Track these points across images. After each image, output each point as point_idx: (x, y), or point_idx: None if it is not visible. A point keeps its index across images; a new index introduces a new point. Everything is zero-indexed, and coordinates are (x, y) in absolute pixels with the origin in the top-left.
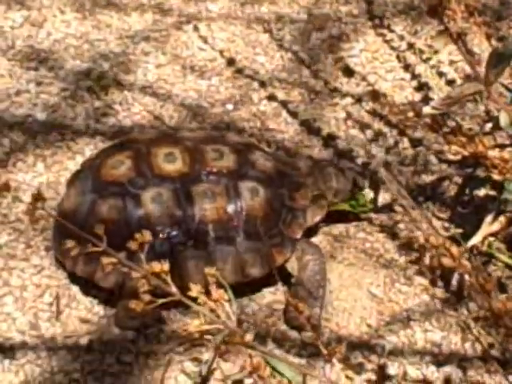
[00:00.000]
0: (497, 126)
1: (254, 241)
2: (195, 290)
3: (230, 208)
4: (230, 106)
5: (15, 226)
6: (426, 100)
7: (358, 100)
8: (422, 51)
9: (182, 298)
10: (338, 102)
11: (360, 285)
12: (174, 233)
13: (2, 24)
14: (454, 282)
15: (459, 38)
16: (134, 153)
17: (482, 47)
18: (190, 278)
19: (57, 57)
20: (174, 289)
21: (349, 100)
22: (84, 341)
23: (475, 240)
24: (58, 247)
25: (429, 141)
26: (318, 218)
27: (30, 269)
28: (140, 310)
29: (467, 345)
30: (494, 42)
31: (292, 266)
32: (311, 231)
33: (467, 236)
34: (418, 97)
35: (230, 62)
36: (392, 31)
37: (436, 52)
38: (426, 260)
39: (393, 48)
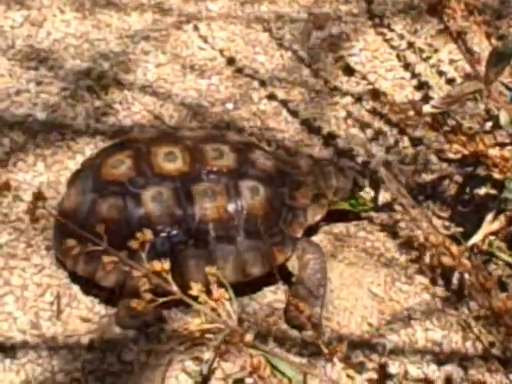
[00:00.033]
0: (497, 125)
1: (254, 240)
2: (196, 288)
3: (231, 207)
4: (230, 106)
5: (16, 226)
6: (426, 99)
7: (358, 99)
8: (421, 50)
9: (182, 296)
10: (338, 101)
11: (361, 284)
12: (175, 232)
13: (2, 23)
14: (455, 280)
15: (459, 37)
16: (134, 152)
17: (482, 46)
18: (190, 277)
19: (57, 56)
20: (174, 288)
21: (349, 99)
22: (85, 340)
23: (476, 239)
24: (59, 246)
25: (429, 140)
26: (318, 217)
27: (30, 268)
28: (141, 308)
29: (468, 344)
30: (493, 41)
31: (293, 265)
32: (312, 230)
33: (468, 235)
34: (418, 96)
35: (230, 61)
36: (392, 30)
37: (436, 51)
38: (427, 259)
39: (393, 47)
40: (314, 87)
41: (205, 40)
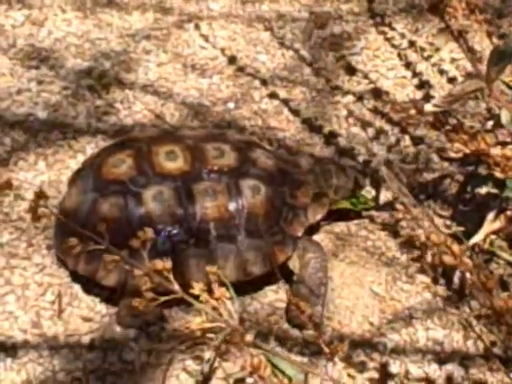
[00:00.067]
0: (498, 124)
1: (255, 239)
2: (197, 287)
3: (232, 206)
4: (231, 105)
5: (17, 225)
6: (428, 98)
7: (360, 98)
8: (423, 49)
9: (184, 295)
10: (340, 100)
11: (362, 283)
12: (176, 231)
13: (3, 23)
14: (456, 280)
15: (460, 36)
16: (135, 151)
17: (483, 45)
18: (191, 276)
19: (58, 55)
20: (176, 286)
21: (350, 98)
22: (86, 339)
23: (477, 238)
24: (60, 246)
25: (430, 139)
26: (319, 216)
27: (31, 267)
28: (142, 308)
29: (469, 343)
30: (495, 40)
31: (293, 264)
32: (313, 229)
33: (469, 234)
34: (419, 95)
35: (231, 60)
36: (393, 29)
37: (437, 50)
38: (428, 258)
39: (394, 46)
40: (315, 86)
41: (206, 39)
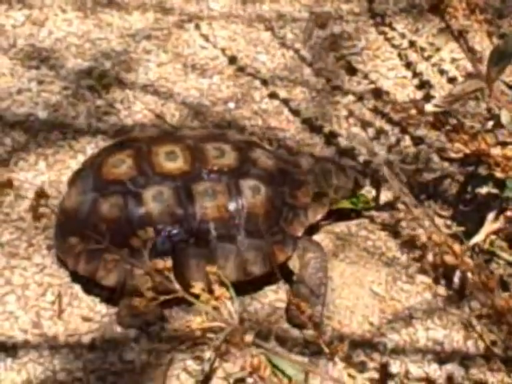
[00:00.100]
0: (498, 124)
1: (255, 239)
2: (197, 287)
3: (232, 206)
4: (231, 105)
5: (17, 225)
6: (428, 98)
7: (360, 98)
8: (423, 49)
9: (184, 294)
10: (340, 100)
11: (362, 283)
12: (176, 231)
13: (4, 23)
14: (456, 280)
15: (460, 36)
16: (135, 151)
17: (484, 45)
18: (191, 276)
19: (58, 55)
20: (176, 286)
21: (350, 98)
22: (86, 339)
23: (477, 238)
24: (60, 246)
25: (431, 139)
26: (319, 216)
27: (32, 267)
28: (142, 307)
29: (469, 343)
30: (495, 40)
31: (293, 264)
32: (313, 229)
33: (469, 234)
34: (419, 95)
35: (232, 60)
36: (393, 29)
37: (437, 50)
38: (429, 258)
39: (394, 46)
40: (315, 86)
41: (206, 39)
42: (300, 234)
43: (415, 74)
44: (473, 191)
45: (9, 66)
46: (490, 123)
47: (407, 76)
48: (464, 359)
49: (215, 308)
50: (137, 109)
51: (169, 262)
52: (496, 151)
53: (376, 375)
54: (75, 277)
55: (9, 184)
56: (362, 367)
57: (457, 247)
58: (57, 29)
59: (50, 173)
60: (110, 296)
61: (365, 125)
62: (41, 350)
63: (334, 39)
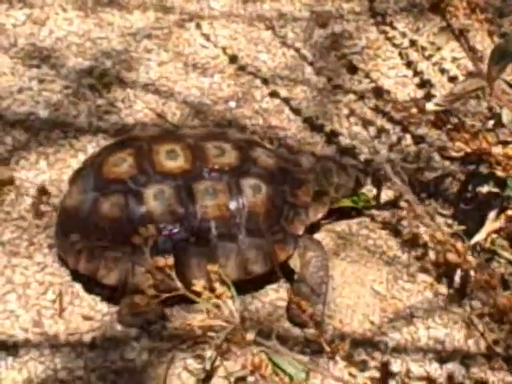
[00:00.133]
0: (499, 123)
1: (256, 237)
2: (199, 285)
3: (232, 205)
4: (232, 104)
5: (18, 224)
6: (429, 97)
7: (361, 97)
8: (424, 48)
9: (186, 292)
10: (341, 99)
11: (363, 282)
12: (176, 230)
13: (4, 22)
14: (457, 278)
15: (461, 35)
16: (136, 150)
17: (485, 44)
18: (192, 275)
19: (59, 55)
20: (178, 283)
21: (351, 97)
22: (87, 338)
23: (478, 237)
24: (61, 244)
25: (432, 138)
26: (320, 215)
27: (33, 266)
28: (144, 304)
29: (470, 342)
30: (496, 39)
31: (294, 263)
32: (314, 228)
33: (470, 233)
34: (420, 94)
35: (233, 59)
36: (394, 28)
37: (438, 49)
38: (431, 256)
39: (395, 45)
40: (316, 85)
41: (207, 38)
42: (301, 232)
43: (416, 73)
44: (474, 190)
45: (10, 65)
46: (491, 122)
47: (408, 75)
48: (465, 358)
49: (216, 306)
50: (138, 108)
51: (170, 260)
52: (497, 150)
53: (377, 374)
54: (76, 275)
55: (10, 181)
56: (362, 366)
57: (459, 245)
58: (57, 28)
59: (50, 172)
60: (111, 295)
61: (366, 124)
62: (42, 349)
63: (334, 38)
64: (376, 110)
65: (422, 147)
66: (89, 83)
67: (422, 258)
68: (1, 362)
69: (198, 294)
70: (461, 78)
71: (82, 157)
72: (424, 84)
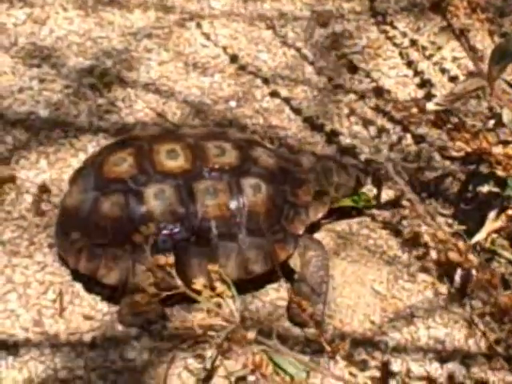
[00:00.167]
0: (500, 123)
1: (256, 237)
2: (199, 283)
3: (233, 204)
4: (232, 103)
5: (18, 223)
6: (429, 96)
7: (362, 96)
8: (424, 48)
9: (186, 290)
10: (341, 99)
11: (363, 281)
12: (177, 229)
13: (5, 21)
14: (458, 278)
15: (462, 35)
16: (136, 150)
17: (485, 44)
18: (192, 274)
19: (59, 54)
20: (178, 282)
21: (352, 96)
22: (87, 338)
23: (479, 237)
24: (61, 244)
25: (432, 137)
26: (320, 214)
27: (33, 266)
28: (145, 303)
29: (471, 341)
30: (496, 39)
31: (295, 263)
32: (314, 228)
33: (470, 233)
34: (420, 93)
35: (233, 58)
36: (395, 28)
37: (439, 48)
38: (432, 255)
39: (396, 45)
40: (316, 85)
41: (207, 38)
42: (301, 232)
43: (416, 73)
44: (474, 190)
45: (10, 65)
46: (492, 122)
47: (408, 74)
48: (465, 358)
49: (217, 305)
50: (138, 107)
51: (171, 258)
52: (497, 150)
53: (377, 374)
54: (76, 275)
55: (11, 179)
56: (363, 365)
57: (461, 244)
58: (58, 27)
59: (51, 171)
60: (112, 294)
61: (366, 123)
62: (42, 349)
63: (335, 38)
64: (376, 109)
65: (422, 147)
66: (89, 83)
67: (423, 257)
68: (1, 362)
69: (199, 293)
70: (461, 77)
71: (82, 156)
72: (424, 84)
